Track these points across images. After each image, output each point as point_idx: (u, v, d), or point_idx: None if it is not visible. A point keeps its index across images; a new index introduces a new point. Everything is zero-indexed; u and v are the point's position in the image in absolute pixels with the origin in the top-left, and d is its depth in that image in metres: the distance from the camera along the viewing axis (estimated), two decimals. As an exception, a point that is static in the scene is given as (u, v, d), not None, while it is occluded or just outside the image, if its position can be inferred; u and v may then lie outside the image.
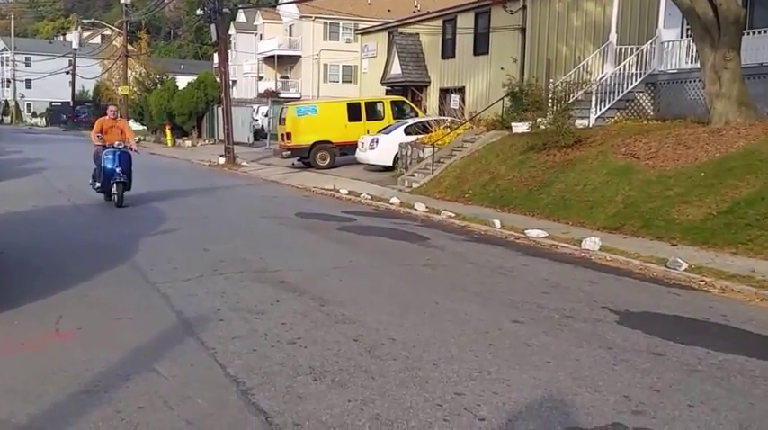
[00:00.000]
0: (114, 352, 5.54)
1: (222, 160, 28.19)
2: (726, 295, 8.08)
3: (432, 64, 31.30)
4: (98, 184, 14.49)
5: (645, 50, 19.23)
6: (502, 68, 23.59)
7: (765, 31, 16.31)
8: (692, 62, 17.42)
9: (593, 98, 18.64)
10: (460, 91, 28.90)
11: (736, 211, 10.79)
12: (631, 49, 19.76)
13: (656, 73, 18.98)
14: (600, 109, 18.65)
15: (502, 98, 20.83)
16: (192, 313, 6.70)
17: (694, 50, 16.22)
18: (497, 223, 12.74)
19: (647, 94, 19.26)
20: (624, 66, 19.15)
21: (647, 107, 19.14)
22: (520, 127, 18.24)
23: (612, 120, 18.42)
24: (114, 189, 14.07)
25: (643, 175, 13.09)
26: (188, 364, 5.31)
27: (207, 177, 23.37)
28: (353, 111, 25.56)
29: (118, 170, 13.97)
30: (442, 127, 21.87)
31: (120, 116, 16.01)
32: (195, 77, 44.48)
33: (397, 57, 31.75)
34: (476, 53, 28.26)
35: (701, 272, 8.84)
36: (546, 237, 11.44)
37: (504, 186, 15.88)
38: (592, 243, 10.54)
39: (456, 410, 4.56)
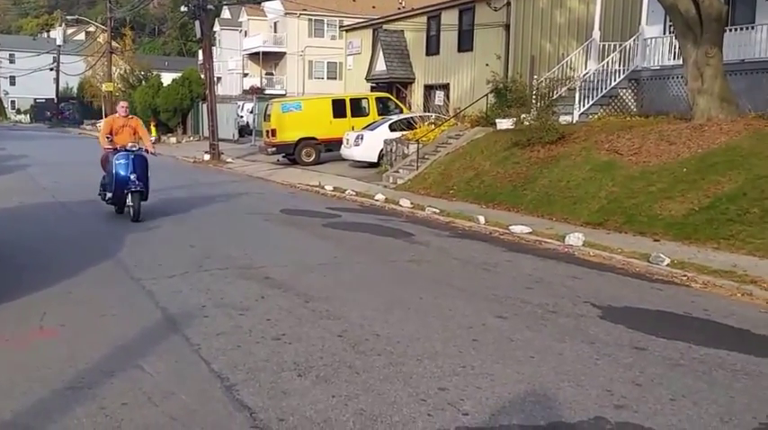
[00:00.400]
0: (98, 348, 5.53)
1: (207, 157, 28.08)
2: (708, 290, 8.15)
3: (416, 60, 31.33)
4: (109, 195, 12.38)
5: (628, 47, 19.36)
6: (486, 65, 23.66)
7: (747, 28, 16.46)
8: (674, 59, 17.54)
9: (577, 94, 18.74)
10: (445, 87, 28.95)
11: (718, 207, 10.89)
12: (614, 45, 19.90)
13: (639, 69, 19.11)
14: (583, 105, 18.75)
15: (486, 95, 20.87)
16: (176, 309, 6.70)
17: (677, 47, 16.34)
18: (482, 219, 12.79)
19: (630, 91, 19.38)
20: (607, 62, 19.27)
21: (630, 103, 19.27)
22: (504, 123, 18.31)
23: (596, 116, 18.54)
24: (129, 200, 12.03)
25: (626, 171, 13.18)
26: (172, 361, 5.31)
27: (192, 174, 23.28)
28: (338, 108, 25.57)
29: (132, 177, 11.85)
30: (426, 123, 21.90)
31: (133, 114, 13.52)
32: (180, 74, 44.30)
33: (381, 53, 31.75)
34: (460, 50, 28.31)
35: (683, 267, 8.91)
36: (530, 233, 11.50)
37: (488, 182, 15.93)
38: (575, 238, 10.61)
39: (440, 405, 4.59)
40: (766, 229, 9.89)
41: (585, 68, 20.62)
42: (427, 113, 24.16)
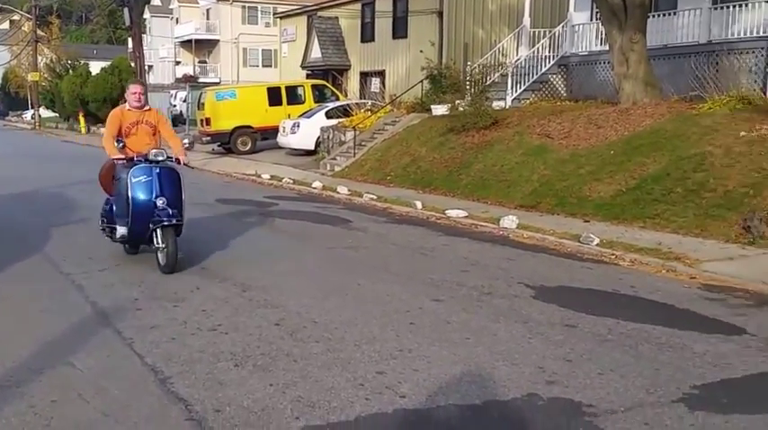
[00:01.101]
0: (26, 346, 5.39)
1: (139, 148, 27.49)
2: (635, 267, 8.41)
3: (352, 47, 31.28)
4: (121, 231, 8.08)
5: (557, 33, 19.75)
6: (421, 51, 23.78)
7: (669, 14, 16.94)
8: (601, 44, 17.94)
9: (509, 80, 19.05)
10: (381, 74, 29.02)
11: (643, 187, 11.23)
12: (544, 32, 20.28)
13: (568, 55, 19.51)
14: (516, 91, 19.06)
15: (421, 81, 21.02)
16: (108, 303, 6.57)
17: (603, 33, 16.70)
18: (418, 204, 12.90)
19: (559, 76, 19.78)
20: (538, 48, 19.63)
21: (560, 88, 19.67)
22: (439, 109, 18.47)
23: (528, 101, 18.87)
24: (158, 239, 7.77)
25: (557, 155, 13.46)
26: (104, 356, 5.22)
27: (123, 165, 22.76)
28: (274, 96, 25.45)
29: (160, 203, 7.73)
30: (362, 110, 21.94)
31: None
32: (109, 63, 43.24)
33: (316, 40, 31.60)
34: (395, 37, 28.40)
35: (611, 246, 9.17)
36: (466, 217, 11.65)
37: (424, 168, 16.06)
38: (509, 221, 10.80)
39: (377, 389, 4.63)
40: (689, 208, 10.25)
41: (517, 55, 20.95)
42: (363, 100, 24.22)
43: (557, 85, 19.71)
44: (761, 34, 14.69)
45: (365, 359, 5.18)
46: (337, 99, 25.39)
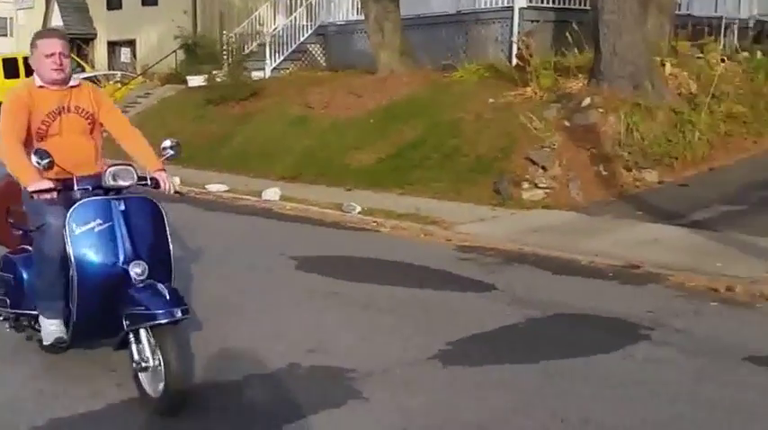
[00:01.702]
0: None
1: None
2: (395, 233, 8.55)
3: (97, 15, 29.32)
4: (51, 328, 4.04)
5: (314, 2, 19.73)
6: (173, 20, 22.76)
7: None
8: (357, 14, 18.15)
9: (268, 50, 18.80)
10: (131, 44, 27.49)
11: (402, 155, 11.53)
12: (301, 0, 20.14)
13: (326, 24, 19.59)
14: (275, 60, 18.86)
15: (174, 51, 20.13)
16: None
17: (359, 2, 16.90)
18: (177, 180, 12.12)
19: (318, 45, 19.83)
20: (295, 17, 19.48)
21: (319, 58, 19.73)
22: (196, 80, 17.84)
23: (288, 71, 18.76)
24: (143, 348, 3.74)
25: (318, 125, 13.47)
26: None
27: None
28: (10, 68, 23.28)
29: (139, 273, 3.80)
30: (112, 82, 20.66)
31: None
32: None
33: (56, 7, 29.25)
34: (144, 4, 27.05)
35: (372, 213, 9.29)
36: (227, 191, 11.34)
37: (182, 142, 15.25)
38: (272, 193, 10.63)
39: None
40: (444, 173, 10.66)
41: (275, 23, 20.68)
42: (113, 71, 22.80)
43: (316, 55, 19.75)
44: (506, 5, 15.51)
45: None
46: (83, 70, 23.65)
